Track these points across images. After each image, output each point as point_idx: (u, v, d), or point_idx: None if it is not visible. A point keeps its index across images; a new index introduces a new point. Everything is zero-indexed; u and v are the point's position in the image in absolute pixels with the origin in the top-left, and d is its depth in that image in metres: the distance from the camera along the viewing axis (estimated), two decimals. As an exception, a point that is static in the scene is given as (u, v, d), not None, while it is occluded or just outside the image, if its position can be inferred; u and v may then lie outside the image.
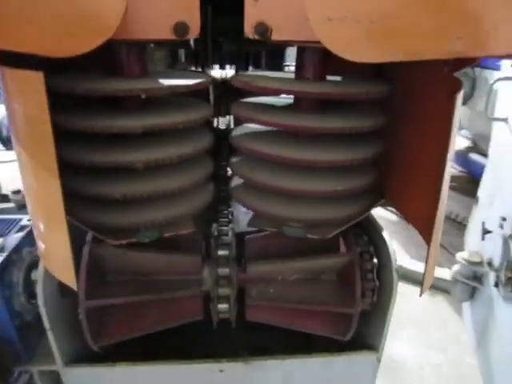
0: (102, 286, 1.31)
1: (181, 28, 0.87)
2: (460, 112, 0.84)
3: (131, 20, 0.78)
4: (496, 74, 2.14)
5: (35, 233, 1.06)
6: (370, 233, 1.44)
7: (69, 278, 0.87)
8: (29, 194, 0.97)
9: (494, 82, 2.04)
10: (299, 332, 1.48)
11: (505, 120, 1.98)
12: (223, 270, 1.29)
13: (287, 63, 2.58)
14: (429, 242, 0.96)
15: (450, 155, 0.85)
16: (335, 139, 1.07)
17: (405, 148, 1.15)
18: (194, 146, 1.03)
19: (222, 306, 1.36)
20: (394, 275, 1.36)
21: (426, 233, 0.99)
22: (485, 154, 2.26)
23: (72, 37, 0.69)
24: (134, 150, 0.98)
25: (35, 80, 0.69)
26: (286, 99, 1.22)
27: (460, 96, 0.82)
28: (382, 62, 0.72)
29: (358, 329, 1.43)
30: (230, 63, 3.04)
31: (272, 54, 2.58)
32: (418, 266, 2.99)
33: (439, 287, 2.48)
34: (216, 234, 1.38)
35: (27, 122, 0.79)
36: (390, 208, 4.40)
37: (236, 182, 1.26)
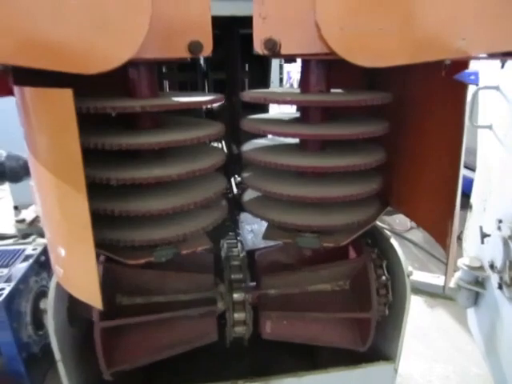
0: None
1: (195, 46, 0.91)
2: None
3: (150, 39, 0.81)
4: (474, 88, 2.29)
5: (52, 258, 1.05)
6: (379, 242, 1.47)
7: (95, 299, 0.87)
8: (49, 218, 0.96)
9: (476, 92, 2.15)
10: (302, 349, 1.46)
11: (489, 127, 2.07)
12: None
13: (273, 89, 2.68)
14: (445, 243, 0.99)
15: (463, 154, 0.90)
16: (343, 147, 1.12)
17: (409, 155, 1.20)
18: (209, 162, 1.05)
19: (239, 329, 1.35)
20: (407, 282, 1.38)
21: (441, 235, 1.02)
22: (472, 169, 2.34)
23: (101, 55, 0.72)
24: (145, 167, 1.00)
25: (65, 97, 0.70)
26: (286, 115, 1.27)
27: (466, 93, 0.87)
28: (394, 65, 0.77)
29: (373, 340, 1.43)
30: (215, 92, 3.13)
31: (256, 82, 2.68)
32: (416, 276, 3.03)
33: (444, 295, 2.49)
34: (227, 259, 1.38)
35: (54, 141, 0.80)
36: (382, 225, 4.41)
37: (248, 195, 1.28)
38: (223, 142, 2.51)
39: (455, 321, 3.29)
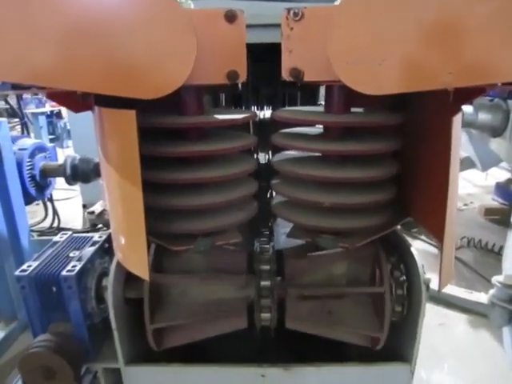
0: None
1: (232, 75, 1.12)
2: (461, 136, 1.01)
3: (197, 70, 1.03)
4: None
5: (114, 244, 1.31)
6: (399, 248, 1.57)
7: (144, 273, 1.12)
8: (113, 212, 1.22)
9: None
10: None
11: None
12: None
13: (321, 102, 2.82)
14: (442, 242, 1.11)
15: (454, 172, 1.03)
16: (359, 160, 1.28)
17: (422, 168, 1.32)
18: (243, 167, 1.27)
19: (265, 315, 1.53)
20: (423, 289, 1.47)
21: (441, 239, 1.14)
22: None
23: (161, 83, 0.96)
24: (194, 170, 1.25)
25: (129, 117, 0.95)
26: (317, 129, 1.45)
27: (458, 119, 1.00)
28: (388, 93, 0.93)
29: (391, 341, 1.53)
30: (267, 105, 3.35)
31: (306, 95, 2.85)
32: (460, 293, 2.97)
33: (477, 311, 2.45)
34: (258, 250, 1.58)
35: (119, 149, 1.05)
36: (428, 241, 4.37)
37: (276, 200, 1.47)
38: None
39: (500, 343, 3.18)
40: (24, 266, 1.50)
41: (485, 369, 3.00)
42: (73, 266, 1.49)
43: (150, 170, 1.21)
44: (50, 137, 9.47)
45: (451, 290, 2.97)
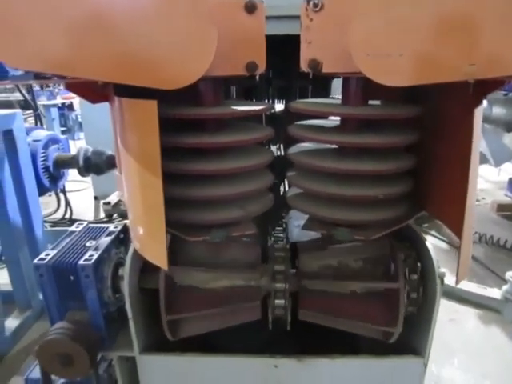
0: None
1: (251, 66, 1.12)
2: (481, 129, 1.00)
3: (216, 61, 1.03)
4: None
5: (132, 234, 1.32)
6: (413, 242, 1.57)
7: (163, 263, 1.13)
8: (132, 203, 1.23)
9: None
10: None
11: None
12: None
13: (333, 96, 2.80)
14: (460, 236, 1.10)
15: (474, 165, 1.02)
16: (375, 153, 1.27)
17: (440, 161, 1.31)
18: (260, 159, 1.27)
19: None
20: (438, 281, 1.47)
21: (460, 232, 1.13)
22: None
23: (182, 74, 0.96)
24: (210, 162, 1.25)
25: (150, 107, 0.96)
26: (333, 121, 1.44)
27: (480, 111, 0.99)
28: (410, 85, 0.92)
29: (404, 334, 1.53)
30: (279, 98, 3.33)
31: (318, 88, 2.83)
32: (473, 288, 2.95)
33: (490, 307, 2.44)
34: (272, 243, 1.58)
35: (139, 139, 1.06)
36: (439, 236, 4.36)
37: (292, 191, 1.47)
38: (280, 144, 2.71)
39: (510, 339, 3.16)
40: (42, 255, 1.52)
41: (495, 364, 3.00)
42: (90, 256, 1.51)
43: (167, 160, 1.22)
44: (62, 129, 9.56)
45: (464, 285, 2.96)
